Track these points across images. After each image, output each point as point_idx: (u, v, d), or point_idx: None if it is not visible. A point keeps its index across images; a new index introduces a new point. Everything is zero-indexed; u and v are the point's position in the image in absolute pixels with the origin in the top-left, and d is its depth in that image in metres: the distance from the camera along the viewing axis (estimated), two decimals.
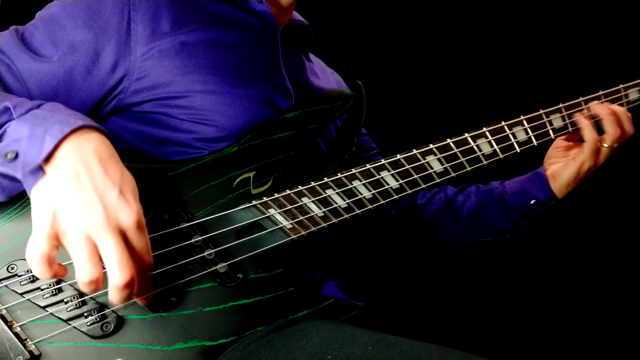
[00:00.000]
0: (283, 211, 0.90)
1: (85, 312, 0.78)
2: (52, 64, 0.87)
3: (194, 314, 0.83)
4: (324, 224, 0.92)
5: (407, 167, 0.94)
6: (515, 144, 1.02)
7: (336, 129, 1.16)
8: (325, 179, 0.91)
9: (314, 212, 0.91)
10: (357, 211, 0.94)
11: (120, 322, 0.79)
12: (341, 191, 0.92)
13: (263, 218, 0.89)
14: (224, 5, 1.01)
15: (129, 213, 0.68)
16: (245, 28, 1.01)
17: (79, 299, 0.79)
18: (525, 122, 1.03)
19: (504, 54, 1.88)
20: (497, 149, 1.00)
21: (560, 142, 1.11)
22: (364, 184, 0.93)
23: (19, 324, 0.77)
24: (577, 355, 1.77)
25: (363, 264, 1.62)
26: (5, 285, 0.77)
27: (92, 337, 0.78)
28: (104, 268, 0.67)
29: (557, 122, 1.06)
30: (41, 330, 0.77)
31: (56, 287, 0.78)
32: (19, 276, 0.78)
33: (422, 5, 1.89)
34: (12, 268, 0.78)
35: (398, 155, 0.94)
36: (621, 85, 1.12)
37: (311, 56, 1.22)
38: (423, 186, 0.96)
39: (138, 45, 0.90)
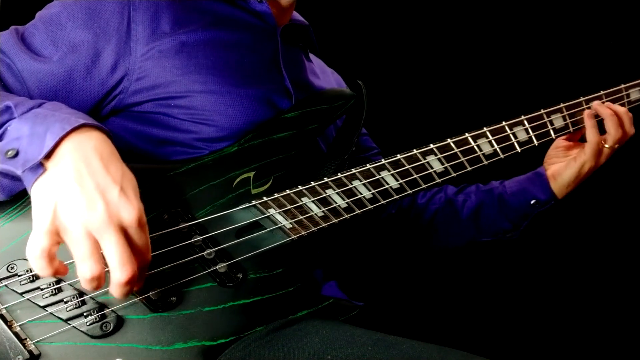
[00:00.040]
0: (283, 211, 0.89)
1: (84, 312, 0.78)
2: (52, 64, 0.87)
3: (194, 314, 0.83)
4: (324, 224, 0.92)
5: (408, 167, 0.94)
6: (516, 144, 1.02)
7: (336, 129, 1.16)
8: (325, 179, 0.91)
9: (313, 212, 0.91)
10: (357, 211, 0.93)
11: (120, 322, 0.79)
12: (341, 191, 0.92)
13: (263, 218, 0.89)
14: (224, 5, 1.01)
15: (130, 210, 0.68)
16: (245, 28, 1.01)
17: (79, 299, 0.79)
18: (526, 122, 1.02)
19: (504, 53, 1.88)
20: (498, 149, 1.00)
21: (560, 141, 1.11)
22: (364, 184, 0.93)
23: (18, 324, 0.77)
24: (577, 355, 1.77)
25: (363, 264, 1.62)
26: (5, 285, 0.77)
27: (92, 336, 0.78)
28: (105, 265, 0.68)
29: (558, 122, 1.05)
30: (41, 330, 0.77)
31: (56, 286, 0.78)
32: (19, 276, 0.78)
33: (422, 5, 1.88)
34: (12, 268, 0.78)
35: (398, 155, 0.94)
36: (622, 85, 1.12)
37: (311, 56, 1.22)
38: (423, 186, 0.96)
39: (138, 46, 0.90)
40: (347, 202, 0.92)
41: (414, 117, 1.90)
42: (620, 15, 1.81)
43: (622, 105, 1.11)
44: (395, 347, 0.78)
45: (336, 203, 0.92)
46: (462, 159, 0.97)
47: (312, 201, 0.91)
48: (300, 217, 0.90)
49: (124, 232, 0.68)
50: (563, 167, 1.08)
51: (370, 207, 0.94)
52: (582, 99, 1.08)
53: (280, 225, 0.89)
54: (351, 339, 0.80)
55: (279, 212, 0.89)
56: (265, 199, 0.89)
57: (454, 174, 0.97)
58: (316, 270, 1.07)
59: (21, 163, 0.70)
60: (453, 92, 1.91)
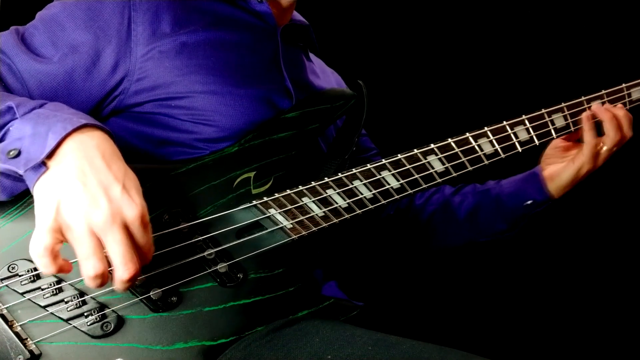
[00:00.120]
0: (283, 211, 0.89)
1: (85, 312, 0.79)
2: (53, 64, 0.87)
3: (194, 314, 0.83)
4: (324, 224, 0.92)
5: (408, 166, 0.94)
6: (516, 144, 1.01)
7: (336, 129, 1.16)
8: (326, 179, 0.91)
9: (314, 212, 0.91)
10: (358, 211, 0.93)
11: (121, 321, 0.80)
12: (342, 191, 0.92)
13: (263, 218, 0.89)
14: (225, 5, 1.01)
15: (133, 207, 0.69)
16: (246, 28, 1.01)
17: (80, 299, 0.79)
18: (527, 122, 1.02)
19: (505, 53, 1.88)
20: (499, 149, 1.00)
21: (558, 142, 1.11)
22: (364, 184, 0.93)
23: (19, 324, 0.77)
24: (577, 355, 1.76)
25: (363, 264, 1.62)
26: (6, 285, 0.78)
27: (92, 336, 0.78)
28: (108, 262, 0.68)
29: (559, 121, 1.05)
30: (41, 330, 0.77)
31: (56, 286, 0.78)
32: (20, 276, 0.78)
33: (423, 5, 1.88)
34: (13, 268, 0.78)
35: (399, 154, 0.94)
36: (624, 85, 1.11)
37: (311, 56, 1.22)
38: (424, 186, 0.96)
39: (138, 46, 0.90)
40: (347, 202, 0.92)
41: (414, 116, 1.89)
42: (621, 14, 1.81)
43: (624, 104, 1.11)
44: (395, 347, 0.77)
45: (337, 203, 0.92)
46: (463, 158, 0.97)
47: (313, 201, 0.91)
48: (301, 217, 0.90)
49: (127, 229, 0.69)
50: (561, 168, 1.07)
51: (371, 207, 0.94)
52: (583, 98, 1.08)
53: (280, 225, 0.89)
54: (351, 339, 0.80)
55: (279, 212, 0.89)
56: (265, 199, 0.89)
57: (454, 174, 0.97)
58: (316, 270, 1.07)
59: (23, 163, 0.70)
60: (454, 92, 1.91)
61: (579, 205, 1.71)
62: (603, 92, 1.09)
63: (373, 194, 0.93)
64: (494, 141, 0.99)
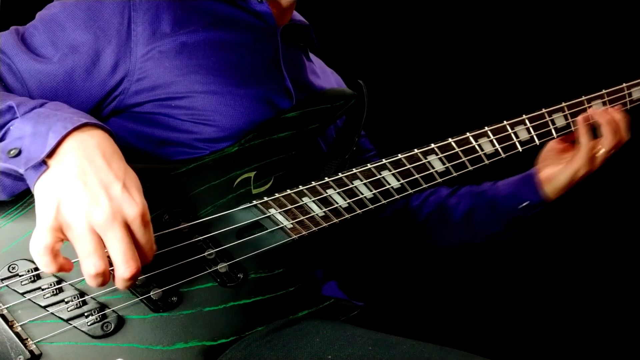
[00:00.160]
0: (284, 211, 0.89)
1: (85, 312, 0.79)
2: (53, 64, 0.87)
3: (195, 314, 0.83)
4: (324, 224, 0.92)
5: (409, 166, 0.94)
6: (517, 143, 1.01)
7: (336, 129, 1.16)
8: (326, 179, 0.91)
9: (314, 212, 0.91)
10: (358, 211, 0.93)
11: (121, 322, 0.80)
12: (342, 191, 0.92)
13: (264, 218, 0.89)
14: (225, 5, 1.01)
15: (133, 206, 0.69)
16: (246, 28, 1.01)
17: (80, 299, 0.79)
18: (527, 121, 1.02)
19: (505, 52, 1.88)
20: (499, 148, 1.00)
21: (554, 143, 1.10)
22: (364, 184, 0.93)
23: (19, 324, 0.77)
24: (577, 355, 1.76)
25: (363, 264, 1.62)
26: (6, 285, 0.78)
27: (93, 336, 0.78)
28: (109, 261, 0.68)
29: (560, 121, 1.05)
30: (42, 330, 0.77)
31: (57, 287, 0.78)
32: (20, 276, 0.78)
33: (423, 5, 1.88)
34: (14, 268, 0.78)
35: (399, 154, 0.94)
36: (624, 84, 1.11)
37: (311, 56, 1.22)
38: (424, 186, 0.96)
39: (138, 46, 0.90)
40: (348, 202, 0.92)
41: (415, 116, 1.89)
42: (622, 13, 1.81)
43: (624, 104, 1.10)
44: (395, 347, 0.77)
45: (337, 203, 0.92)
46: (464, 158, 0.97)
47: (313, 201, 0.90)
48: (301, 217, 0.90)
49: (128, 228, 0.69)
50: (557, 171, 1.06)
51: (371, 207, 0.94)
52: (583, 97, 1.07)
53: (281, 225, 0.89)
54: (352, 339, 0.80)
55: (279, 212, 0.89)
56: (266, 198, 0.89)
57: (455, 174, 0.97)
58: (316, 270, 1.07)
59: (24, 162, 0.71)
60: (454, 92, 1.91)
61: (578, 205, 1.71)
62: (604, 91, 1.09)
63: (373, 193, 0.93)
64: (495, 141, 0.99)
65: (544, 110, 1.04)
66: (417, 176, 0.95)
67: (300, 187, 0.90)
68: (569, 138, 1.07)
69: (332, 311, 0.92)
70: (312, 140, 0.97)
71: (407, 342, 0.79)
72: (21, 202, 0.81)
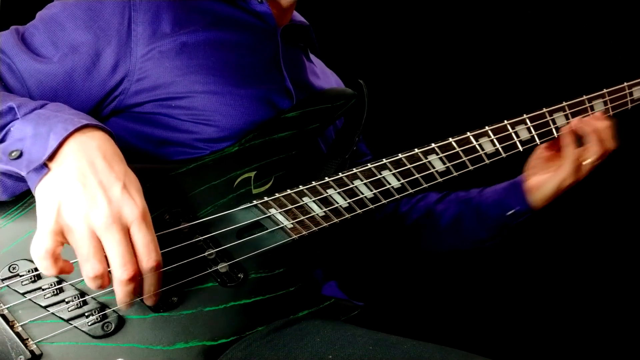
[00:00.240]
0: (284, 211, 0.89)
1: (86, 312, 0.79)
2: (53, 64, 0.87)
3: (195, 314, 0.83)
4: (325, 224, 0.92)
5: (409, 166, 0.94)
6: (518, 143, 1.01)
7: (336, 131, 1.16)
8: (327, 179, 0.91)
9: (315, 211, 0.91)
10: (359, 211, 0.93)
11: (121, 322, 0.80)
12: (342, 191, 0.92)
13: (264, 218, 0.89)
14: (225, 5, 1.01)
15: (133, 207, 0.69)
16: (246, 28, 1.01)
17: (80, 299, 0.79)
18: (528, 121, 1.02)
19: (506, 52, 1.87)
20: (500, 148, 0.99)
21: (541, 151, 1.09)
22: (365, 184, 0.92)
23: (20, 324, 0.77)
24: (577, 355, 1.76)
25: (363, 264, 1.62)
26: (7, 285, 0.78)
27: (93, 336, 0.78)
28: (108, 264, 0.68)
29: (560, 120, 1.05)
30: (42, 330, 0.77)
31: (57, 287, 0.78)
32: (21, 276, 0.78)
33: (423, 5, 1.88)
34: (14, 268, 0.78)
35: (400, 154, 0.94)
36: (625, 84, 1.11)
37: (312, 57, 1.22)
38: (425, 185, 0.96)
39: (138, 46, 0.90)
40: (348, 202, 0.92)
41: (415, 116, 1.89)
42: (623, 13, 1.80)
43: (625, 103, 1.10)
44: (396, 347, 0.77)
45: (337, 203, 0.92)
46: (464, 158, 0.97)
47: (313, 201, 0.90)
48: (302, 217, 0.90)
49: (127, 230, 0.69)
50: (543, 180, 1.05)
51: (372, 206, 0.94)
52: (584, 97, 1.07)
53: (281, 225, 0.89)
54: (352, 339, 0.80)
55: (280, 212, 0.89)
56: (266, 198, 0.89)
57: (455, 173, 0.97)
58: (316, 270, 1.07)
59: (25, 164, 0.71)
60: (454, 91, 1.90)
61: (578, 205, 1.71)
62: (604, 90, 1.09)
63: (374, 193, 0.93)
64: (495, 140, 0.99)
65: (544, 110, 1.04)
66: (417, 176, 0.95)
67: (301, 187, 0.90)
68: (556, 145, 1.06)
69: (332, 311, 0.92)
70: (312, 140, 0.97)
71: (408, 342, 0.79)
72: (22, 203, 0.81)
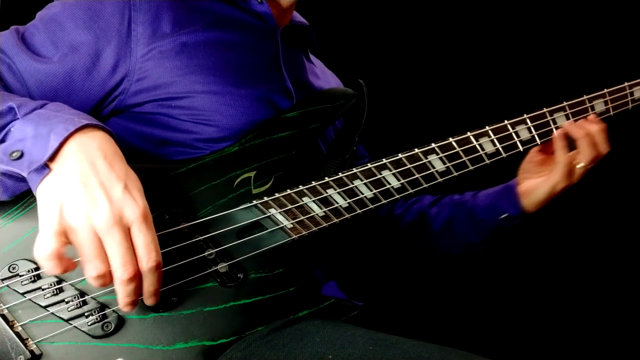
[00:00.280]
0: (284, 211, 0.89)
1: (86, 312, 0.79)
2: (53, 64, 0.87)
3: (195, 314, 0.83)
4: (325, 224, 0.92)
5: (409, 166, 0.94)
6: (518, 143, 1.01)
7: (335, 131, 1.16)
8: (326, 179, 0.91)
9: (314, 211, 0.91)
10: (359, 211, 0.93)
11: (121, 321, 0.80)
12: (342, 191, 0.92)
13: (264, 218, 0.89)
14: (225, 5, 1.01)
15: (134, 207, 0.69)
16: (246, 29, 1.01)
17: (80, 299, 0.79)
18: (528, 121, 1.02)
19: (507, 52, 1.87)
20: (500, 148, 0.99)
21: (534, 155, 1.08)
22: (365, 184, 0.92)
23: (20, 324, 0.77)
24: (577, 355, 1.76)
25: (363, 264, 1.61)
26: (7, 285, 0.78)
27: (93, 336, 0.78)
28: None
29: (561, 120, 1.04)
30: (42, 330, 0.77)
31: (57, 287, 0.78)
32: (21, 276, 0.78)
33: (423, 5, 1.88)
34: (14, 268, 0.78)
35: (400, 154, 0.94)
36: (626, 83, 1.11)
37: (312, 57, 1.22)
38: (425, 185, 0.96)
39: (138, 46, 0.90)
40: (348, 202, 0.92)
41: (415, 116, 1.89)
42: (624, 12, 1.80)
43: (626, 103, 1.10)
44: (396, 347, 0.77)
45: (337, 203, 0.92)
46: (464, 158, 0.97)
47: (313, 201, 0.90)
48: (301, 217, 0.90)
49: (128, 230, 0.69)
50: (536, 184, 1.05)
51: (372, 206, 0.94)
52: (585, 97, 1.07)
53: (281, 225, 0.89)
54: (352, 339, 0.80)
55: (279, 212, 0.89)
56: (266, 198, 0.89)
57: (455, 173, 0.97)
58: (316, 270, 1.07)
59: (26, 165, 0.71)
60: (455, 91, 1.90)
61: (577, 205, 1.70)
62: (605, 90, 1.09)
63: (374, 193, 0.93)
64: (495, 140, 0.99)
65: (545, 110, 1.04)
66: (417, 176, 0.95)
67: (301, 187, 0.90)
68: (548, 149, 1.05)
69: (332, 311, 0.92)
70: (312, 140, 0.97)
71: (408, 342, 0.79)
72: (22, 202, 0.81)
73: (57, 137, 0.71)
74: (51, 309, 0.78)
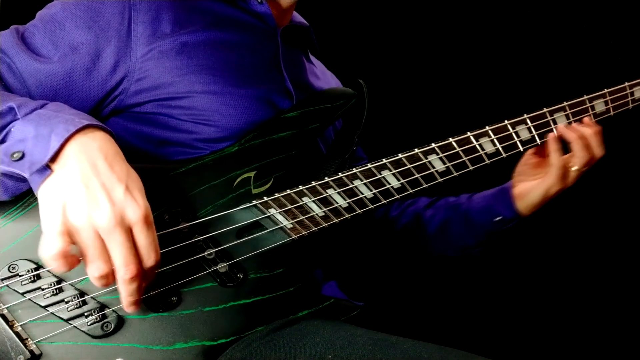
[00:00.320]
0: (283, 211, 0.89)
1: (85, 312, 0.79)
2: (53, 64, 0.87)
3: (194, 314, 0.83)
4: (324, 224, 0.92)
5: (409, 166, 0.94)
6: (518, 143, 1.01)
7: (335, 131, 1.16)
8: (326, 179, 0.91)
9: (314, 211, 0.91)
10: (358, 211, 0.93)
11: (121, 321, 0.80)
12: (342, 191, 0.91)
13: (263, 218, 0.89)
14: (225, 6, 1.01)
15: (135, 208, 0.70)
16: (246, 29, 1.01)
17: (80, 299, 0.79)
18: (528, 121, 1.02)
19: (506, 52, 1.87)
20: (500, 148, 0.99)
21: (529, 157, 1.08)
22: (365, 184, 0.92)
23: (20, 324, 0.77)
24: (577, 355, 1.76)
25: (363, 264, 1.61)
26: (7, 285, 0.78)
27: (93, 336, 0.78)
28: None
29: (561, 120, 1.04)
30: (42, 330, 0.77)
31: (57, 287, 0.78)
32: (20, 276, 0.78)
33: (423, 5, 1.88)
34: (14, 268, 0.78)
35: (400, 154, 0.94)
36: (626, 83, 1.11)
37: (312, 58, 1.22)
38: (425, 185, 0.95)
39: (138, 46, 0.90)
40: (348, 202, 0.92)
41: (415, 116, 1.89)
42: (624, 12, 1.80)
43: (626, 103, 1.10)
44: (396, 347, 0.77)
45: (337, 203, 0.92)
46: (464, 158, 0.97)
47: (313, 201, 0.90)
48: (301, 217, 0.90)
49: (130, 230, 0.70)
50: (530, 187, 1.05)
51: (372, 206, 0.94)
52: (585, 97, 1.07)
53: (281, 225, 0.89)
54: (352, 339, 0.80)
55: (279, 212, 0.89)
56: (265, 198, 0.89)
57: (455, 173, 0.97)
58: (316, 270, 1.07)
59: (28, 166, 0.71)
60: (455, 91, 1.90)
61: (577, 205, 1.70)
62: (605, 90, 1.09)
63: (373, 193, 0.93)
64: (495, 140, 0.99)
65: (545, 110, 1.03)
66: (417, 176, 0.94)
67: (300, 187, 0.90)
68: (543, 151, 1.05)
69: (332, 311, 0.92)
70: (312, 140, 0.97)
71: (407, 342, 0.79)
72: (21, 202, 0.81)
73: (58, 137, 0.71)
74: (51, 309, 0.78)
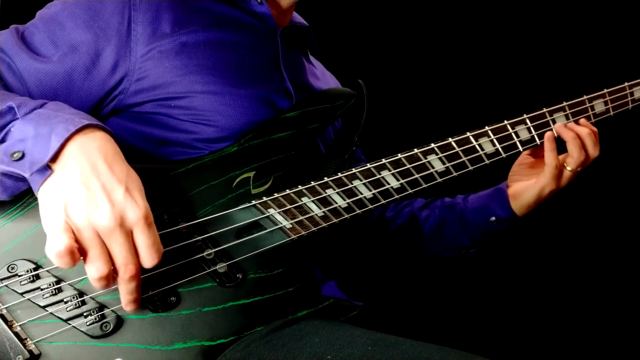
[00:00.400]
0: (283, 211, 0.89)
1: (84, 312, 0.79)
2: (52, 64, 0.87)
3: (193, 314, 0.83)
4: (324, 224, 0.92)
5: (408, 166, 0.94)
6: (518, 143, 1.01)
7: (335, 132, 1.16)
8: (326, 179, 0.91)
9: (314, 212, 0.91)
10: (358, 211, 0.93)
11: (120, 322, 0.80)
12: (341, 191, 0.91)
13: (263, 218, 0.89)
14: (225, 6, 1.01)
15: (135, 209, 0.70)
16: (246, 29, 1.01)
17: (79, 299, 0.79)
18: (528, 121, 1.02)
19: (506, 52, 1.87)
20: (500, 148, 0.99)
21: (524, 158, 1.08)
22: (364, 184, 0.92)
23: (18, 324, 0.77)
24: (577, 355, 1.76)
25: (363, 264, 1.61)
26: (6, 285, 0.78)
27: (92, 336, 0.78)
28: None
29: (561, 120, 1.04)
30: (41, 330, 0.77)
31: (56, 287, 0.78)
32: (19, 276, 0.78)
33: (423, 5, 1.88)
34: (13, 268, 0.78)
35: (399, 154, 0.94)
36: (626, 83, 1.11)
37: (312, 58, 1.22)
38: (424, 186, 0.95)
39: (138, 46, 0.90)
40: (347, 202, 0.92)
41: (415, 116, 1.89)
42: (624, 12, 1.80)
43: (626, 103, 1.10)
44: (395, 347, 0.77)
45: (336, 203, 0.91)
46: (464, 158, 0.97)
47: (312, 201, 0.90)
48: (300, 217, 0.90)
49: (130, 231, 0.70)
50: (524, 188, 1.05)
51: (371, 207, 0.94)
52: (585, 97, 1.07)
53: (280, 225, 0.89)
54: (351, 339, 0.80)
55: (278, 212, 0.89)
56: (265, 199, 0.89)
57: (455, 174, 0.97)
58: (316, 270, 1.07)
59: (28, 165, 0.71)
60: (454, 91, 1.90)
61: (577, 205, 1.70)
62: (605, 90, 1.09)
63: (373, 193, 0.93)
64: (495, 140, 0.99)
65: (544, 110, 1.04)
66: (417, 176, 0.94)
67: (300, 187, 0.90)
68: (538, 152, 1.05)
69: (331, 311, 0.92)
70: (311, 140, 0.96)
71: (407, 342, 0.79)
72: (21, 202, 0.81)
73: (58, 137, 0.71)
74: (50, 309, 0.78)
